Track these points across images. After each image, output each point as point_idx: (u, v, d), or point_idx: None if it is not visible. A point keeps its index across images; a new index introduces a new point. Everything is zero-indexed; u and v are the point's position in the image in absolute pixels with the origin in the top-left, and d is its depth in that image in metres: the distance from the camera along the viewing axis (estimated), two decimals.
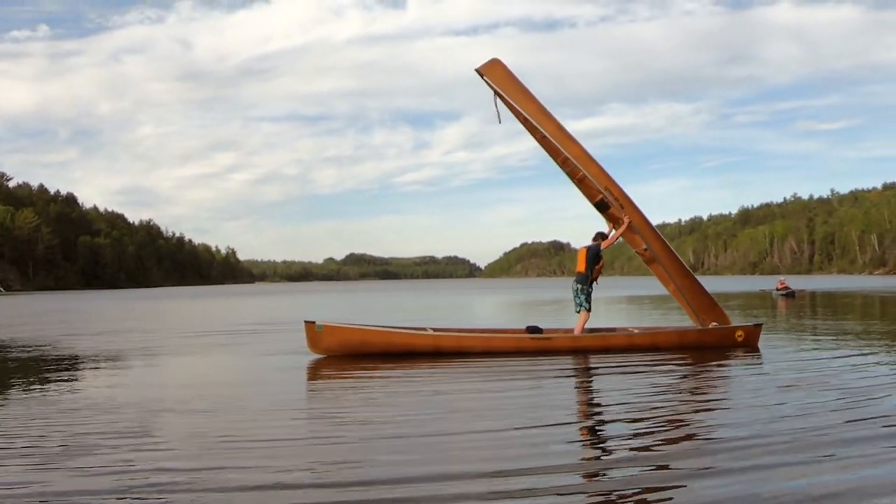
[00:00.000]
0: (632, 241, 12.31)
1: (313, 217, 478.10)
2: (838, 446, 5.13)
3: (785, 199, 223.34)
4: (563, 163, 12.00)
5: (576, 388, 8.68)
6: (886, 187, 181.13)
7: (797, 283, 51.86)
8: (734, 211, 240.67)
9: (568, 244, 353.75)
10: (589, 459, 5.09)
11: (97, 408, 7.13)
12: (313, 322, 11.36)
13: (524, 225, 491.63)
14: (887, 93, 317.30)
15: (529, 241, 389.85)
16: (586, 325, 12.08)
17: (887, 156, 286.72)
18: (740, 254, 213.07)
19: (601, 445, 5.57)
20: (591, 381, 9.10)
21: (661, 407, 7.07)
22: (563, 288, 61.55)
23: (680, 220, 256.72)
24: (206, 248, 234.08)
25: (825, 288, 51.13)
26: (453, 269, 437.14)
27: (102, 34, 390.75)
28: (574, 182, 12.19)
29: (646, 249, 12.14)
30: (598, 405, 7.41)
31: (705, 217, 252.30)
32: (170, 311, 32.95)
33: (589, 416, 6.82)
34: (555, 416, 6.42)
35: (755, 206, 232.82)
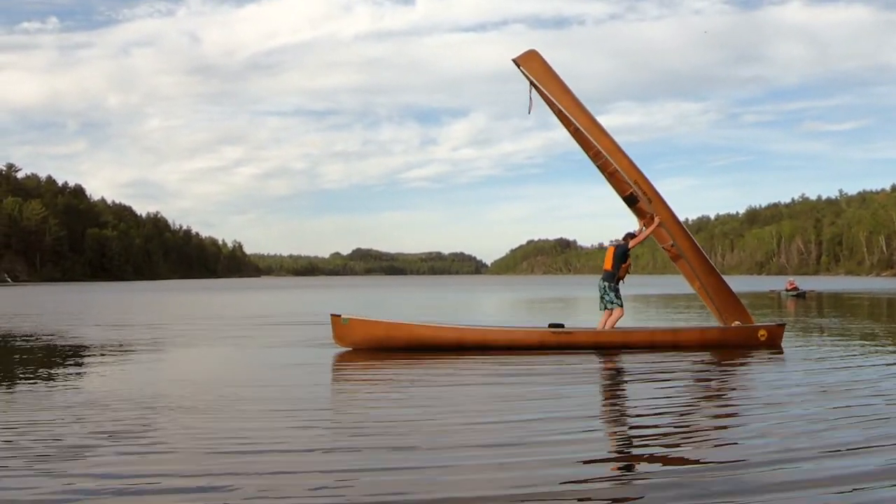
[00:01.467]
0: (658, 237, 12.15)
1: (320, 212, 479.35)
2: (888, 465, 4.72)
3: (792, 199, 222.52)
4: (595, 156, 11.90)
5: (598, 391, 8.34)
6: (895, 189, 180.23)
7: (805, 283, 51.39)
8: (741, 210, 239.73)
9: (574, 242, 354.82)
10: (613, 474, 4.76)
11: (101, 404, 6.87)
12: (339, 315, 11.39)
13: (531, 222, 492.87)
14: None
15: (536, 239, 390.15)
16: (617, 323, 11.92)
17: (895, 157, 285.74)
18: (747, 254, 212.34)
19: (626, 456, 5.22)
20: (613, 384, 8.84)
21: (688, 414, 6.80)
22: (571, 286, 62.06)
23: (687, 219, 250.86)
24: (213, 242, 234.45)
25: (833, 289, 50.77)
26: (459, 265, 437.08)
27: (112, 27, 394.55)
28: (605, 176, 12.08)
29: (672, 245, 11.98)
30: (623, 411, 7.10)
31: (712, 216, 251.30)
32: (183, 304, 32.78)
33: (613, 424, 6.44)
34: (578, 426, 6.04)
35: (763, 205, 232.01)
